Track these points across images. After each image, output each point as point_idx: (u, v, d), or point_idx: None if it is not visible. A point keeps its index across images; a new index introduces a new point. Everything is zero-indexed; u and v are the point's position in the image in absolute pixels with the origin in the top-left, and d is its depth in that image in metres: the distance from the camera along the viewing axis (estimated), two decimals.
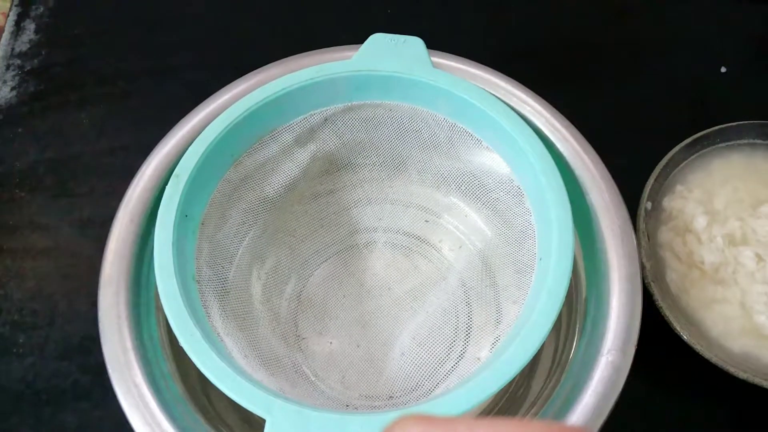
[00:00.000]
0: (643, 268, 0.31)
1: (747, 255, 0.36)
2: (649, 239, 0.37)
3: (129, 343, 0.28)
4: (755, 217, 0.38)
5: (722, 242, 0.37)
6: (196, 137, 0.31)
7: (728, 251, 0.37)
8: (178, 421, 0.27)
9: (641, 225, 0.36)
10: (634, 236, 0.30)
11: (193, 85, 0.48)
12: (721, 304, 0.36)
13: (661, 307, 0.34)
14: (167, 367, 0.29)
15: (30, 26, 0.52)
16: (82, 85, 0.49)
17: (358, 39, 0.34)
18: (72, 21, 0.52)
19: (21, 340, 0.39)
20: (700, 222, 0.37)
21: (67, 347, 0.39)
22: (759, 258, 0.36)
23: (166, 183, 0.30)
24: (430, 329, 0.35)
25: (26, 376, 0.38)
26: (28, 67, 0.50)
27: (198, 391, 0.30)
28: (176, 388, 0.29)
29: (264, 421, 0.24)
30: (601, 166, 0.32)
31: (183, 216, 0.29)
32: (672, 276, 0.37)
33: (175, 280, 0.27)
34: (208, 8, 0.53)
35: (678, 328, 0.33)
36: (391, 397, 0.33)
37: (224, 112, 0.31)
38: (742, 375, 0.32)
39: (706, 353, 0.33)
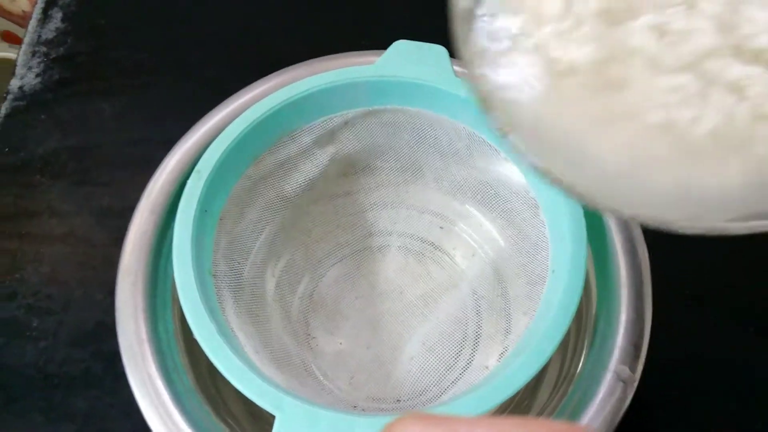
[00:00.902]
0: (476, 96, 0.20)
1: (640, 31, 0.20)
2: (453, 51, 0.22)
3: (144, 334, 0.28)
4: None
5: (596, 24, 0.21)
6: (219, 134, 0.31)
7: (609, 35, 0.21)
8: (189, 413, 0.27)
9: (459, 33, 0.21)
10: (646, 253, 0.30)
11: (212, 82, 0.48)
12: (622, 123, 0.21)
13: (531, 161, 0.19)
14: (180, 359, 0.30)
15: (57, 14, 0.52)
16: (105, 76, 0.49)
17: (379, 44, 0.34)
18: (98, 11, 0.52)
19: (35, 324, 0.40)
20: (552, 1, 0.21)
21: (80, 334, 0.39)
22: (660, 31, 0.20)
23: (187, 177, 0.30)
24: (440, 335, 0.35)
25: (38, 360, 0.39)
26: (54, 55, 0.50)
27: (208, 383, 0.31)
28: (188, 380, 0.29)
29: (273, 417, 0.24)
30: None
31: (203, 211, 0.30)
32: (527, 102, 0.21)
33: (192, 273, 0.27)
34: (229, 8, 0.53)
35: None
36: (398, 400, 0.33)
37: (247, 111, 0.32)
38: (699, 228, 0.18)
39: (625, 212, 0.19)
